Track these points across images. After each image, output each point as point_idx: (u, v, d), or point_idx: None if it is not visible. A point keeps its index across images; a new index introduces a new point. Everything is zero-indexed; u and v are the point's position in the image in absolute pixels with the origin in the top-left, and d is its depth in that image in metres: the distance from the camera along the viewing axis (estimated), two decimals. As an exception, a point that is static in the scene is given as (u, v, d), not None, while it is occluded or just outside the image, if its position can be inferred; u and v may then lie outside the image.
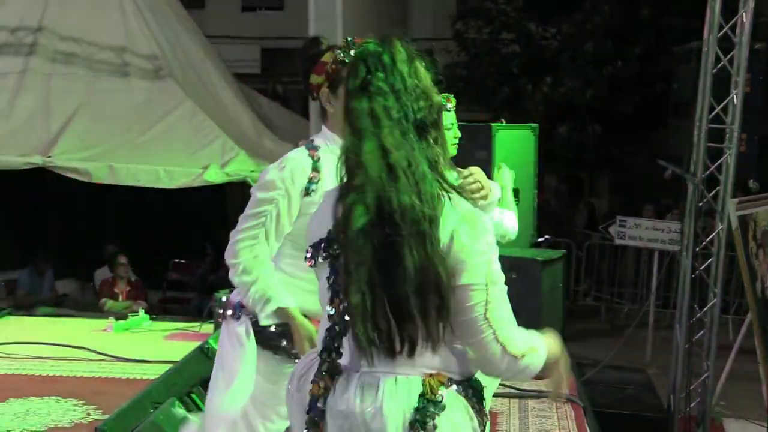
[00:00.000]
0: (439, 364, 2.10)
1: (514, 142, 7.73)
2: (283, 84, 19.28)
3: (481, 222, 2.07)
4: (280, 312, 2.99)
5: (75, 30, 10.33)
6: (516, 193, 7.42)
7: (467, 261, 2.03)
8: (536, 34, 15.05)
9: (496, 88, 14.79)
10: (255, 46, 19.75)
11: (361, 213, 2.02)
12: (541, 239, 8.07)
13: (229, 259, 3.00)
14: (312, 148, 2.98)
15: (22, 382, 6.33)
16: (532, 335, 2.18)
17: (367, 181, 2.02)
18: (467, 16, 15.59)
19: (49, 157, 9.12)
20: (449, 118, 3.58)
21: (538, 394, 6.16)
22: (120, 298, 9.60)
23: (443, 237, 2.01)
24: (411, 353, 2.06)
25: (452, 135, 3.60)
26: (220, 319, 6.69)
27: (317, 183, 2.92)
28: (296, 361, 2.70)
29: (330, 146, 2.93)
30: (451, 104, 3.65)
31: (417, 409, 2.05)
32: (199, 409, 4.63)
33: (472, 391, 2.16)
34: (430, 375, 2.09)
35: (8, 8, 10.43)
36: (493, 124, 7.53)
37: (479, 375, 2.21)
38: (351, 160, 2.07)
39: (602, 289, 12.17)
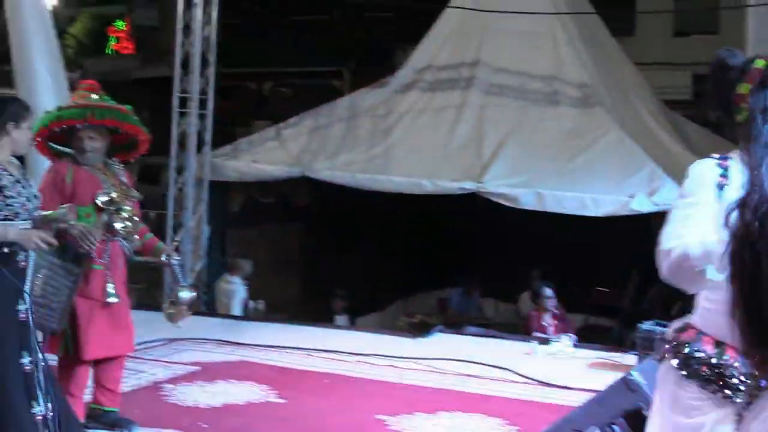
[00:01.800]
0: None
1: None
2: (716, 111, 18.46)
3: None
4: None
5: (508, 62, 10.73)
6: None
7: None
8: None
9: None
10: (686, 72, 19.18)
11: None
12: None
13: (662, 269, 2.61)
14: (723, 159, 2.78)
15: (451, 397, 6.65)
16: None
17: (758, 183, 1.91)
18: None
19: (481, 182, 9.52)
20: None
21: None
22: (549, 332, 9.47)
23: None
24: None
25: None
26: (645, 352, 6.56)
27: (725, 188, 2.71)
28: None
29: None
30: None
31: None
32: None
33: None
34: None
35: (450, 47, 11.11)
36: None
37: None
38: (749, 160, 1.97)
39: None
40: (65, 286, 5.00)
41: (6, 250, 4.45)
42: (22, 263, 4.55)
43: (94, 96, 5.43)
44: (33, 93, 8.17)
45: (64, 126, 5.31)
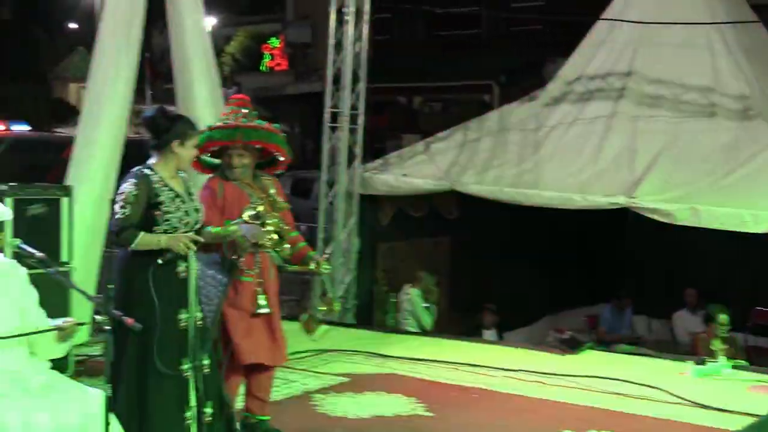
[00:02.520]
0: None
1: None
2: None
3: None
4: None
5: (662, 72, 10.47)
6: None
7: None
8: None
9: None
10: None
11: None
12: None
13: None
14: None
15: (601, 416, 6.52)
16: None
17: None
18: None
19: (633, 197, 9.30)
20: None
21: None
22: (717, 356, 8.89)
23: None
24: None
25: None
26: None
27: None
28: None
29: None
30: None
31: None
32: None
33: None
34: None
35: (601, 57, 10.93)
36: None
37: None
38: None
39: None
40: (215, 296, 5.18)
41: (165, 260, 4.65)
42: (183, 273, 4.74)
43: (244, 110, 5.61)
44: (192, 109, 8.50)
45: (215, 147, 5.53)
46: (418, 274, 10.47)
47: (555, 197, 9.71)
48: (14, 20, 41.12)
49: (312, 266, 5.66)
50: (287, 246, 5.58)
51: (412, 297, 10.27)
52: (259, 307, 5.41)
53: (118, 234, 4.67)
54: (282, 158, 5.72)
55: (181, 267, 4.72)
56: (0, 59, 36.36)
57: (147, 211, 4.68)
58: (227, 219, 5.30)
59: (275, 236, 5.45)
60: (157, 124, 4.83)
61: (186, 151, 4.84)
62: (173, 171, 4.84)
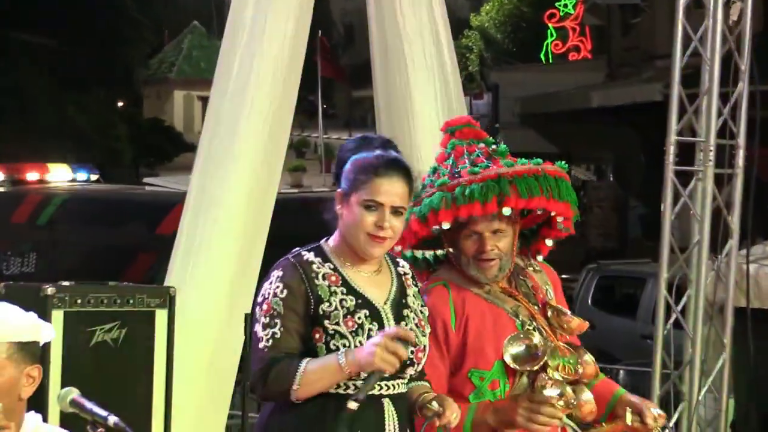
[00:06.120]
0: None
1: None
2: None
3: None
4: None
5: None
6: None
7: None
8: None
9: None
10: None
11: None
12: None
13: None
14: None
15: None
16: None
17: None
18: None
19: None
20: None
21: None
22: None
23: None
24: None
25: None
26: None
27: None
28: None
29: None
30: None
31: None
32: None
33: None
34: None
35: None
36: None
37: None
38: None
39: None
40: None
41: (360, 399, 4.72)
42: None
43: (481, 145, 5.54)
44: (407, 134, 8.56)
45: (458, 220, 5.38)
46: None
47: None
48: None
49: (629, 420, 5.58)
50: (588, 398, 5.53)
51: None
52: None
53: (265, 375, 4.75)
54: (562, 226, 5.63)
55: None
56: (55, 47, 38.19)
57: (305, 328, 4.75)
58: (472, 369, 5.31)
59: (569, 392, 5.41)
60: (337, 163, 4.95)
61: (349, 213, 4.83)
62: (352, 257, 4.92)
